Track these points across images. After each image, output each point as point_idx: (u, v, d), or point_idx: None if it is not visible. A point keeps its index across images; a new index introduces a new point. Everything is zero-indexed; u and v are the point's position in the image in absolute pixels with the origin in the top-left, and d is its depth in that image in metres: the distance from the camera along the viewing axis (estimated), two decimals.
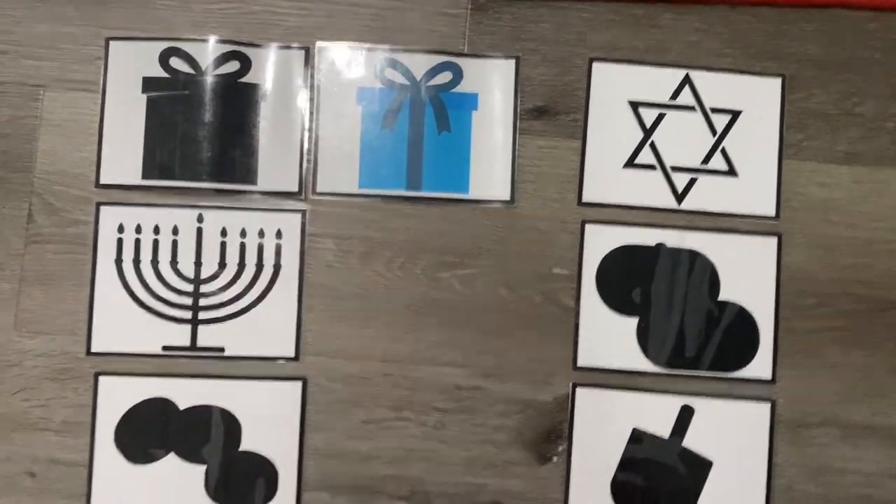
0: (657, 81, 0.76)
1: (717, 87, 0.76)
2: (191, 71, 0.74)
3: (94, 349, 0.73)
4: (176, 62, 0.74)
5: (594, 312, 0.74)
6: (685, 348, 0.74)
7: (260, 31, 0.75)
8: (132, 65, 0.74)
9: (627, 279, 0.75)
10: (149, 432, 0.72)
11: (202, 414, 0.72)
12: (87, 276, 0.73)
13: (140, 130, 0.74)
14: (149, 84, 0.74)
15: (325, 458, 0.73)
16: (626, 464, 0.73)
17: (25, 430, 0.72)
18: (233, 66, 0.74)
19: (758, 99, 0.76)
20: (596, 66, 0.76)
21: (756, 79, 0.76)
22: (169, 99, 0.74)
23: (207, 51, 0.74)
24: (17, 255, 0.73)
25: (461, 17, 0.76)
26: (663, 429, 0.74)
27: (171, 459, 0.72)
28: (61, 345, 0.73)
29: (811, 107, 0.76)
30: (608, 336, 0.74)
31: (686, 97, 0.76)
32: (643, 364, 0.74)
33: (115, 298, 0.73)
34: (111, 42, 0.74)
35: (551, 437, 0.73)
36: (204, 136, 0.73)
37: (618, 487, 0.73)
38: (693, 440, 0.73)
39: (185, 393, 0.72)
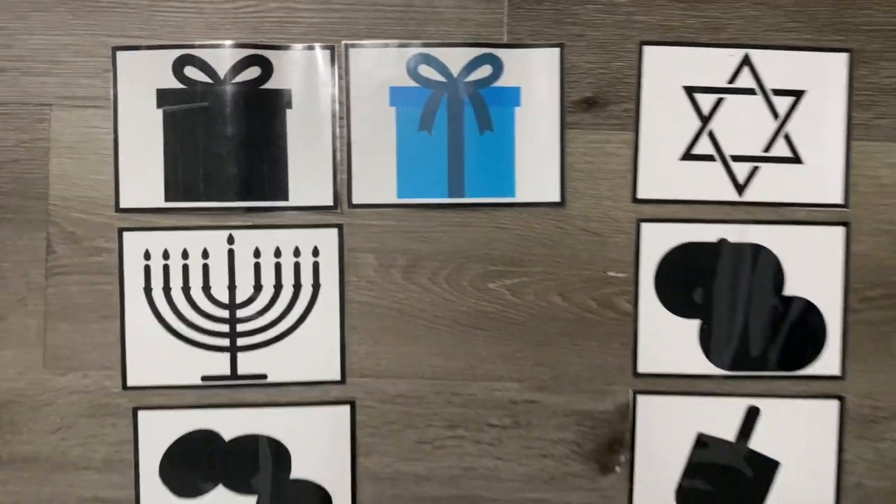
0: (713, 64, 0.70)
1: (778, 66, 0.70)
2: (208, 80, 0.68)
3: (129, 383, 0.69)
4: (191, 71, 0.68)
5: (653, 316, 0.70)
6: (750, 348, 0.70)
7: (280, 31, 0.69)
8: (144, 76, 0.68)
9: (688, 279, 0.70)
10: (195, 465, 0.69)
11: (248, 444, 0.69)
12: (116, 306, 0.69)
13: (158, 148, 0.68)
14: (164, 97, 0.68)
15: (380, 482, 0.70)
16: (691, 470, 0.71)
17: (66, 470, 0.69)
18: (253, 71, 0.68)
19: (823, 77, 0.70)
20: (647, 49, 0.70)
21: (821, 55, 0.70)
22: (187, 112, 0.68)
23: (224, 57, 0.68)
24: (39, 289, 0.69)
25: (498, 3, 0.69)
26: (729, 432, 0.71)
27: (220, 492, 0.69)
28: (95, 380, 0.69)
29: (881, 82, 0.70)
30: (669, 340, 0.70)
31: (745, 79, 0.70)
32: (706, 367, 0.71)
33: (147, 329, 0.69)
34: (118, 52, 0.68)
35: (613, 447, 0.71)
36: (228, 150, 0.68)
37: (683, 494, 0.71)
38: (760, 442, 0.71)
39: (230, 423, 0.69)
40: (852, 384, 0.71)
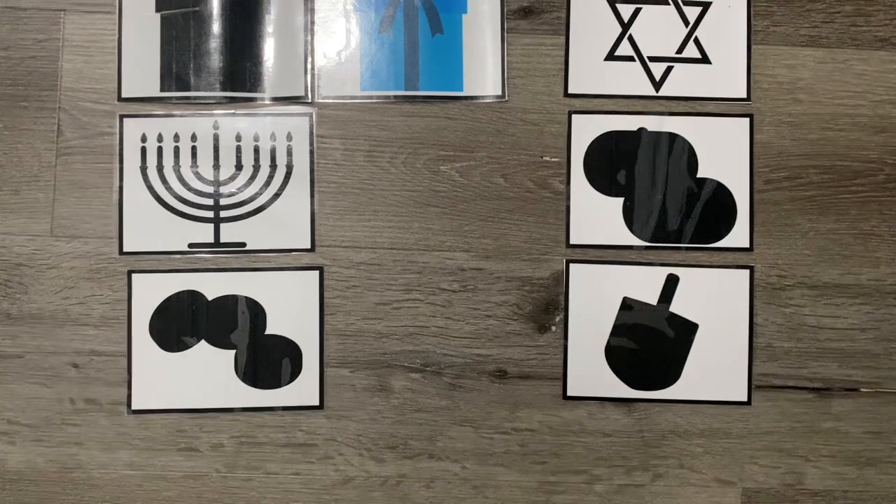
0: None
1: None
2: None
3: (125, 249, 0.79)
4: None
5: (583, 195, 0.81)
6: (668, 223, 0.81)
7: None
8: None
9: (612, 163, 0.81)
10: (180, 322, 0.79)
11: (229, 303, 0.79)
12: (115, 183, 0.79)
13: (156, 46, 0.79)
14: (162, 3, 0.79)
15: (344, 338, 0.80)
16: (618, 330, 0.80)
17: (67, 325, 0.79)
18: None
19: None
20: None
21: None
22: (181, 15, 0.79)
23: None
24: (49, 167, 0.79)
25: None
26: (651, 297, 0.80)
27: (203, 346, 0.79)
28: (95, 247, 0.79)
29: None
30: (597, 216, 0.81)
31: None
32: (630, 239, 0.81)
33: (142, 202, 0.79)
34: None
35: (549, 309, 0.80)
36: (215, 48, 0.79)
37: (611, 351, 0.80)
38: (679, 306, 0.80)
39: (212, 285, 0.79)
40: (760, 255, 0.81)
